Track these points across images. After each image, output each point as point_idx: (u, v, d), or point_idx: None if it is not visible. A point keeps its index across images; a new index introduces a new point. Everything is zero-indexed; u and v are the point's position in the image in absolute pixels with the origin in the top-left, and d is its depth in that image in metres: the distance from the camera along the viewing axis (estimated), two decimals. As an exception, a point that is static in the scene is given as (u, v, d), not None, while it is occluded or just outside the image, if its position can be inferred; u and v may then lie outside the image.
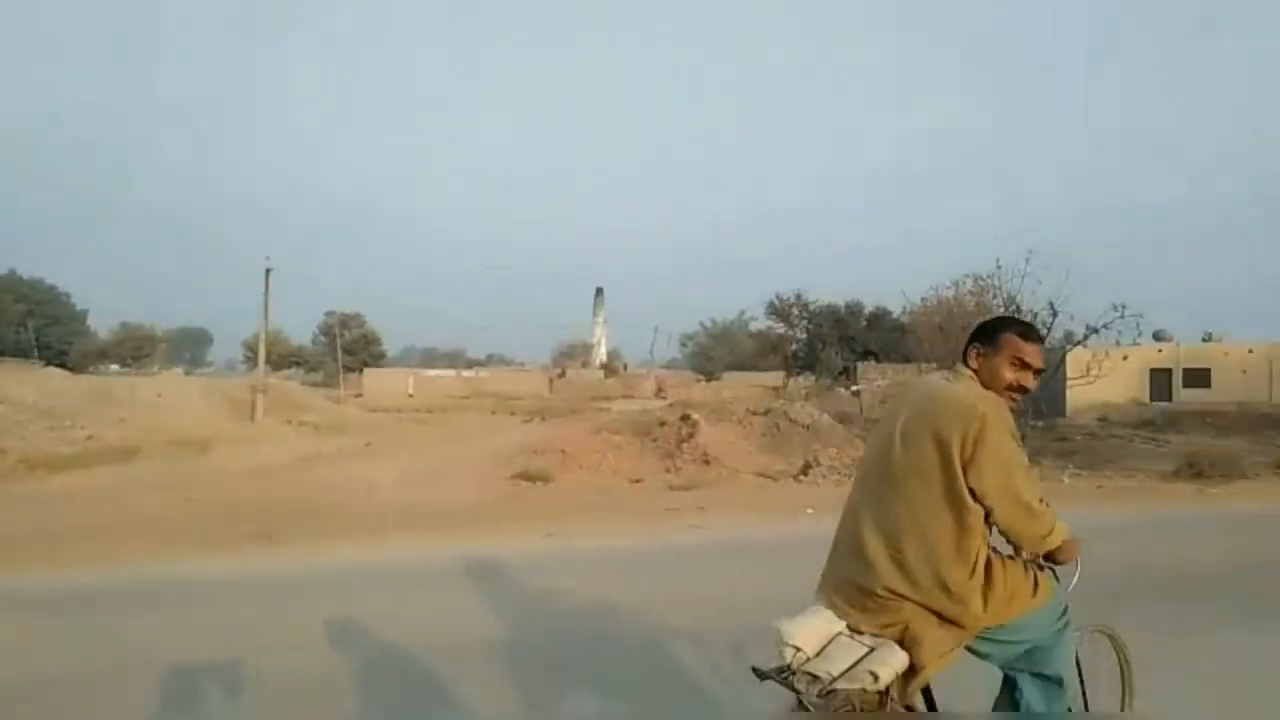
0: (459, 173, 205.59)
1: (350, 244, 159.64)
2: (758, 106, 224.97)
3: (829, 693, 2.06)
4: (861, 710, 2.11)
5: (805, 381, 43.09)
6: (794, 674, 2.12)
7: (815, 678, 2.09)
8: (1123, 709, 2.81)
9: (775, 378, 46.15)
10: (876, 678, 2.07)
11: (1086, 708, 2.64)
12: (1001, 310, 15.14)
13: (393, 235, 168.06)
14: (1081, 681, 2.60)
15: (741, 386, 41.09)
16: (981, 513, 2.18)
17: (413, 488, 11.86)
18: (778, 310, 49.34)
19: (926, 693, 2.30)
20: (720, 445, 14.50)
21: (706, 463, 13.52)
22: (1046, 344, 14.07)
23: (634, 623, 5.05)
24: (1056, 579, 2.47)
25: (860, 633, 2.20)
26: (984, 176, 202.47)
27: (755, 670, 2.21)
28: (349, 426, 24.73)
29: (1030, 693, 2.36)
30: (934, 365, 20.28)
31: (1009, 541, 2.31)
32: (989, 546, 2.25)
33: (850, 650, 2.15)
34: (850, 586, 2.26)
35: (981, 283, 17.41)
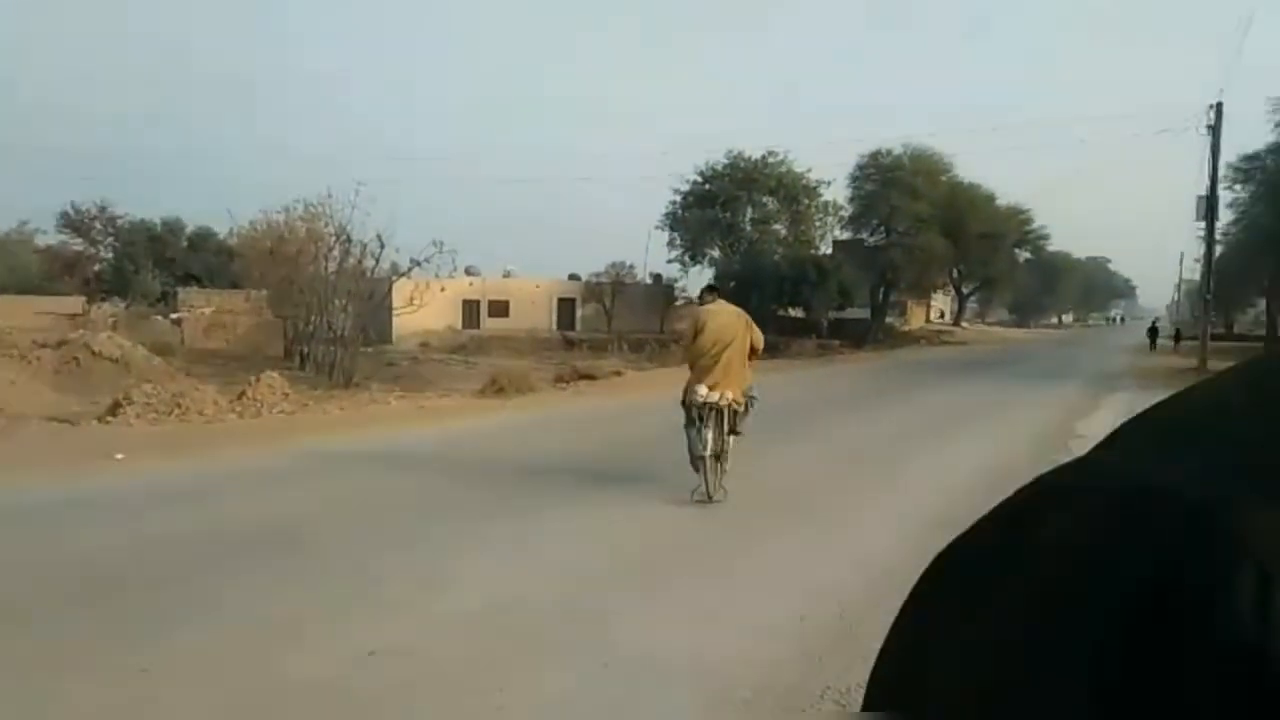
0: None
1: None
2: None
3: (722, 405, 6.67)
4: (730, 406, 6.74)
5: (114, 308, 37.32)
6: (708, 403, 6.63)
7: (715, 401, 6.63)
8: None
9: (74, 303, 38.87)
10: (730, 398, 6.70)
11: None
12: (333, 237, 16.19)
13: None
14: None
15: (25, 313, 33.59)
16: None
17: None
18: (74, 223, 41.49)
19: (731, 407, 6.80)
20: (-8, 387, 11.62)
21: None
22: (375, 274, 14.27)
23: None
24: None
25: (718, 390, 6.63)
26: (320, 108, 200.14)
27: (689, 404, 6.75)
28: None
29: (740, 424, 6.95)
30: (264, 292, 19.52)
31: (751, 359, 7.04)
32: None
33: (722, 394, 6.67)
34: (717, 377, 6.68)
35: (313, 209, 17.25)
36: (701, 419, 6.68)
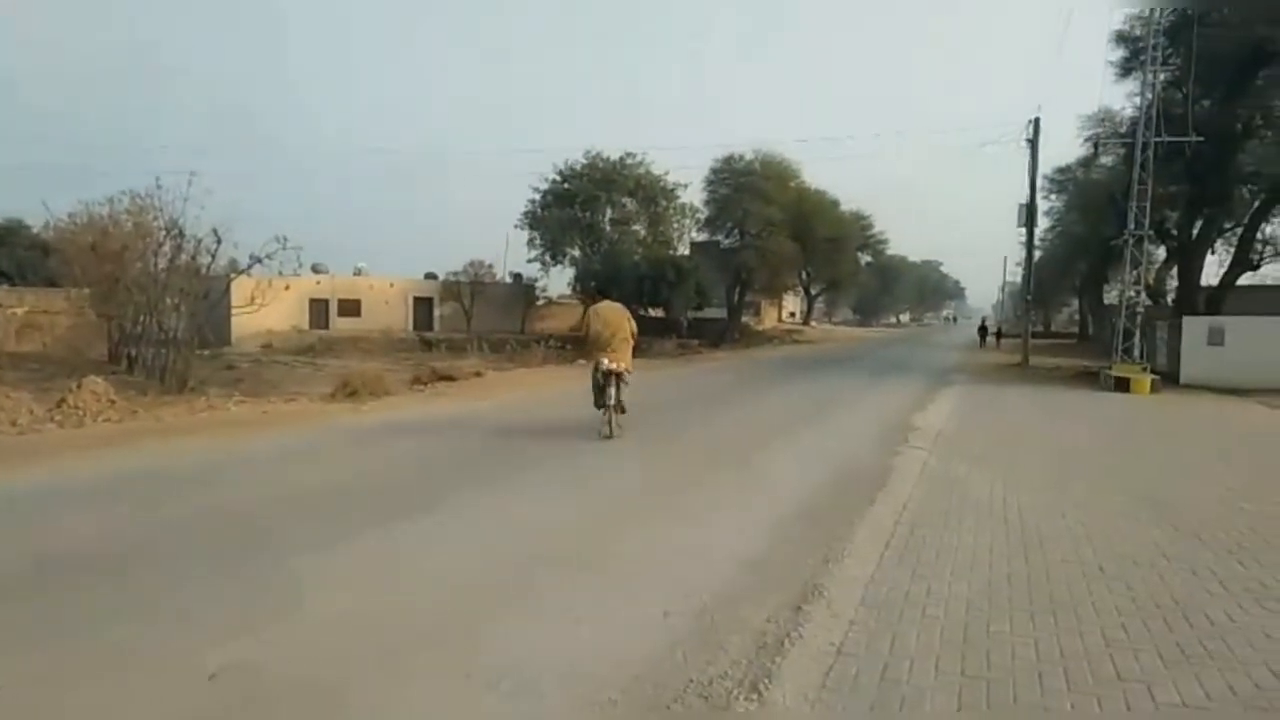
0: None
1: None
2: None
3: (618, 370, 9.96)
4: (622, 371, 10.03)
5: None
6: (608, 370, 9.88)
7: (613, 368, 9.91)
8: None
9: None
10: (621, 366, 10.02)
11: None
12: (163, 232, 15.27)
13: None
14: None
15: None
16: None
17: None
18: None
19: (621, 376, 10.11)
20: None
21: None
22: (211, 271, 13.46)
23: None
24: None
25: (613, 361, 9.92)
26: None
27: (595, 371, 10.00)
28: None
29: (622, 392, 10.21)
30: (86, 290, 17.87)
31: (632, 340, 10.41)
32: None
33: (616, 363, 9.94)
34: (610, 353, 9.92)
35: (140, 202, 15.92)
36: (605, 380, 10.01)
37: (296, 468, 8.35)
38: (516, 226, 41.82)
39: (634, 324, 10.38)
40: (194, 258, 15.54)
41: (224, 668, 3.55)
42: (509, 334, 35.05)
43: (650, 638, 3.98)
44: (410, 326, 42.22)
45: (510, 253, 69.72)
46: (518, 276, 47.53)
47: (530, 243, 41.20)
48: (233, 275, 17.09)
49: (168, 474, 7.92)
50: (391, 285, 44.53)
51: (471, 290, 43.50)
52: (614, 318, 10.17)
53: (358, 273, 45.82)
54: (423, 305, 44.79)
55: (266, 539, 5.63)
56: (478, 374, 18.54)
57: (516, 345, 29.11)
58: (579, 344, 15.95)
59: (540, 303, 46.66)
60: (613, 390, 9.96)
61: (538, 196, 41.05)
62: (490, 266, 46.15)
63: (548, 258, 41.37)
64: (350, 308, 42.51)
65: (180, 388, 14.10)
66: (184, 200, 15.24)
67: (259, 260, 16.00)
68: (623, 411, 10.20)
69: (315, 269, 44.93)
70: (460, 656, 3.75)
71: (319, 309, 41.66)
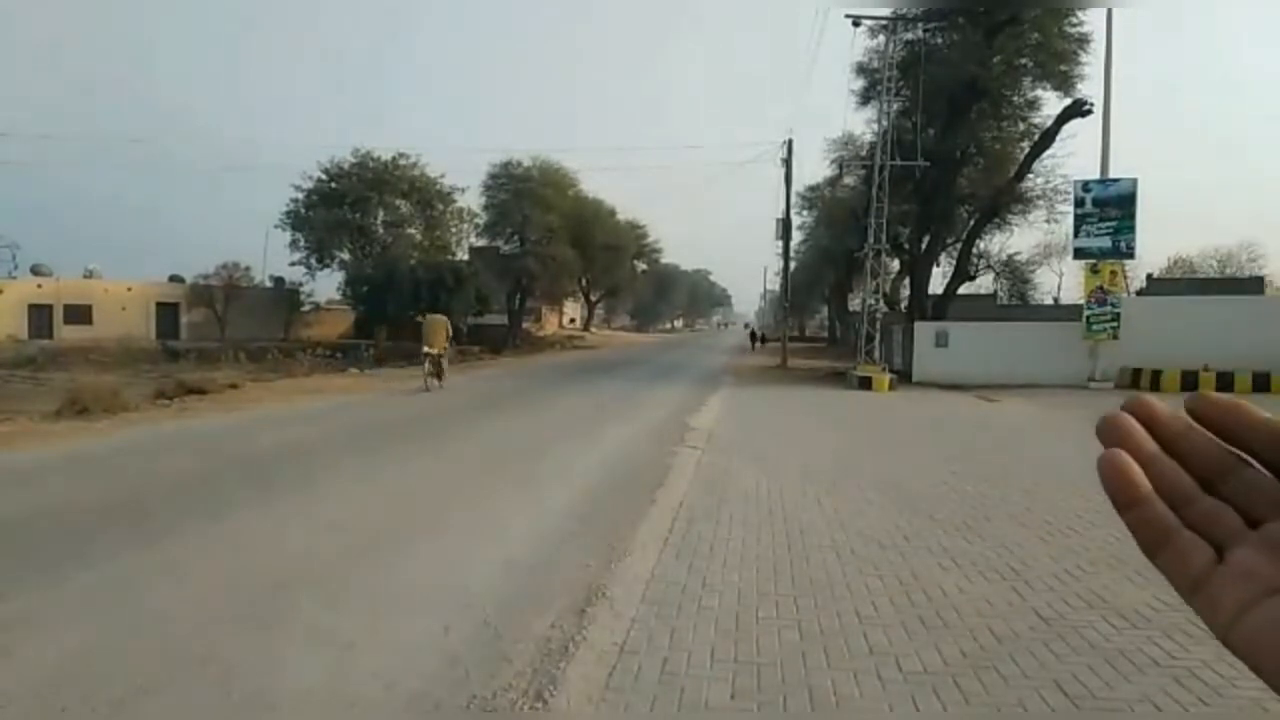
0: None
1: None
2: None
3: (437, 354, 17.71)
4: (439, 354, 17.75)
5: None
6: (429, 353, 17.60)
7: (434, 353, 17.67)
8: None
9: None
10: (438, 351, 17.70)
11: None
12: None
13: None
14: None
15: None
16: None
17: None
18: None
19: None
20: None
21: None
22: None
23: None
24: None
25: (434, 348, 17.64)
26: None
27: (424, 353, 17.64)
28: None
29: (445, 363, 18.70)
30: None
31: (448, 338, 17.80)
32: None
33: (437, 349, 17.65)
34: (434, 343, 17.51)
35: None
36: (429, 358, 17.33)
37: (44, 484, 7.24)
38: (277, 227, 39.05)
39: (450, 327, 18.21)
40: None
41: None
42: (271, 342, 32.59)
43: (430, 655, 3.85)
44: (153, 335, 38.16)
45: (272, 255, 65.08)
46: (279, 280, 44.31)
47: (294, 244, 38.65)
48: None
49: None
50: (129, 289, 40.09)
51: (225, 295, 40.11)
52: (437, 323, 17.68)
53: (89, 275, 40.79)
54: (167, 311, 40.70)
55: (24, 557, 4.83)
56: (233, 386, 17.07)
57: (279, 354, 27.11)
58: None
59: (306, 309, 43.82)
60: (431, 366, 17.54)
61: (301, 195, 38.61)
62: (248, 269, 42.84)
63: (314, 260, 39.02)
64: (80, 314, 37.76)
65: None
66: None
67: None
68: (441, 377, 17.70)
69: (36, 270, 39.53)
70: (209, 690, 3.42)
71: (41, 316, 36.71)
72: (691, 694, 3.48)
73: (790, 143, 29.27)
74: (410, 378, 19.45)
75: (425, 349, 17.43)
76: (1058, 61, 21.39)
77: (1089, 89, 21.81)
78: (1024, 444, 11.17)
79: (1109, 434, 0.43)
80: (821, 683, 3.59)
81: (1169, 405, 0.43)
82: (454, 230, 41.21)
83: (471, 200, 40.95)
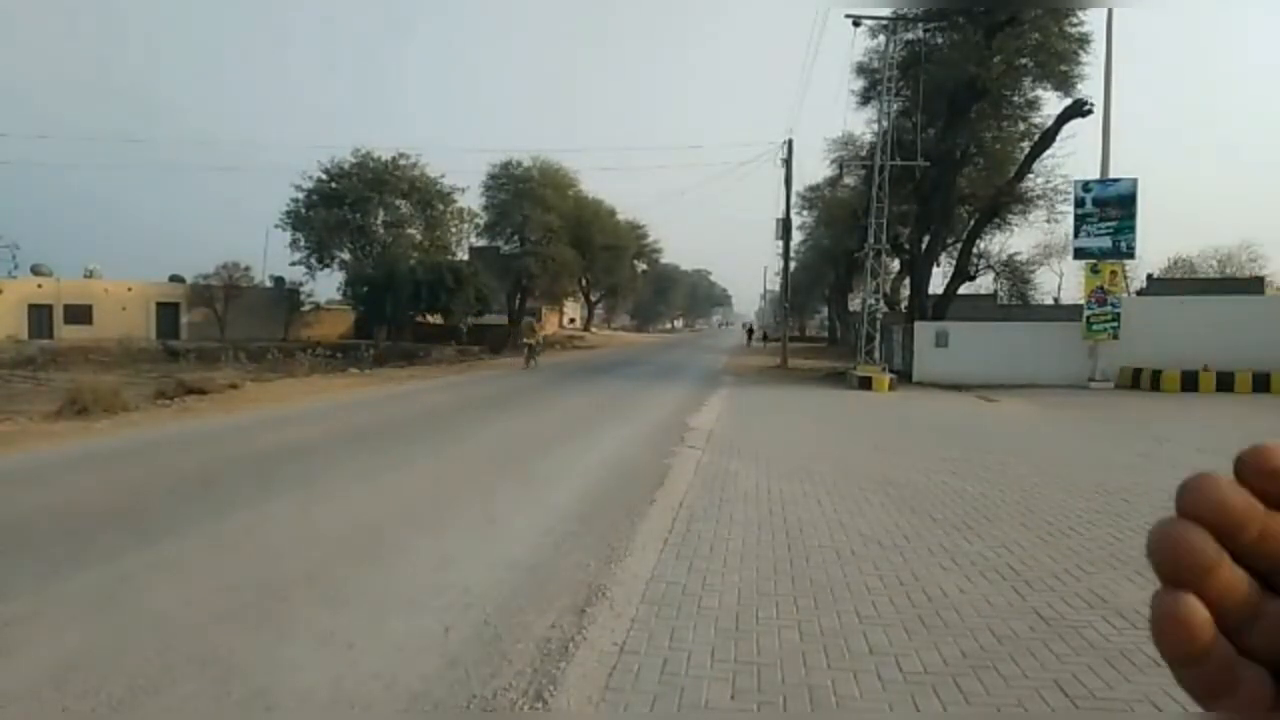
0: None
1: None
2: None
3: (533, 344, 26.78)
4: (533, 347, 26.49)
5: None
6: (530, 344, 26.67)
7: (530, 342, 26.57)
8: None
9: None
10: (538, 341, 28.09)
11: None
12: None
13: None
14: None
15: None
16: None
17: None
18: None
19: None
20: None
21: None
22: None
23: None
24: None
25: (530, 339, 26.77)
26: None
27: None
28: None
29: None
30: None
31: None
32: None
33: (531, 339, 27.12)
34: (530, 337, 26.30)
35: None
36: (528, 347, 25.06)
37: (44, 486, 7.24)
38: (278, 227, 38.99)
39: (540, 324, 21.24)
40: None
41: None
42: (271, 342, 32.56)
43: (430, 655, 3.85)
44: (153, 335, 38.15)
45: (273, 255, 65.00)
46: (279, 280, 44.27)
47: (294, 244, 38.60)
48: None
49: None
50: (130, 289, 40.07)
51: (225, 294, 40.09)
52: (532, 323, 21.47)
53: (89, 275, 40.79)
54: (167, 311, 40.68)
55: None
56: (233, 386, 17.06)
57: (279, 354, 27.10)
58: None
59: (306, 308, 43.75)
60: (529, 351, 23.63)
61: (301, 195, 38.57)
62: (248, 269, 42.80)
63: (314, 260, 38.98)
64: (80, 314, 37.76)
65: None
66: None
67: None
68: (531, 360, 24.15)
69: (36, 270, 39.52)
70: (211, 693, 3.42)
71: (41, 316, 36.70)
72: (691, 694, 3.48)
73: (790, 143, 29.27)
74: (410, 377, 19.67)
75: (524, 340, 25.57)
76: (1058, 61, 21.38)
77: (1089, 89, 21.86)
78: (1024, 444, 11.17)
79: (1165, 560, 0.32)
80: (821, 683, 3.59)
81: (1237, 491, 0.32)
82: (454, 230, 41.18)
83: (471, 200, 41.01)
